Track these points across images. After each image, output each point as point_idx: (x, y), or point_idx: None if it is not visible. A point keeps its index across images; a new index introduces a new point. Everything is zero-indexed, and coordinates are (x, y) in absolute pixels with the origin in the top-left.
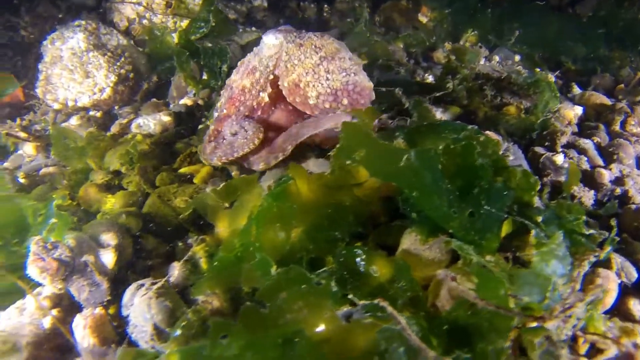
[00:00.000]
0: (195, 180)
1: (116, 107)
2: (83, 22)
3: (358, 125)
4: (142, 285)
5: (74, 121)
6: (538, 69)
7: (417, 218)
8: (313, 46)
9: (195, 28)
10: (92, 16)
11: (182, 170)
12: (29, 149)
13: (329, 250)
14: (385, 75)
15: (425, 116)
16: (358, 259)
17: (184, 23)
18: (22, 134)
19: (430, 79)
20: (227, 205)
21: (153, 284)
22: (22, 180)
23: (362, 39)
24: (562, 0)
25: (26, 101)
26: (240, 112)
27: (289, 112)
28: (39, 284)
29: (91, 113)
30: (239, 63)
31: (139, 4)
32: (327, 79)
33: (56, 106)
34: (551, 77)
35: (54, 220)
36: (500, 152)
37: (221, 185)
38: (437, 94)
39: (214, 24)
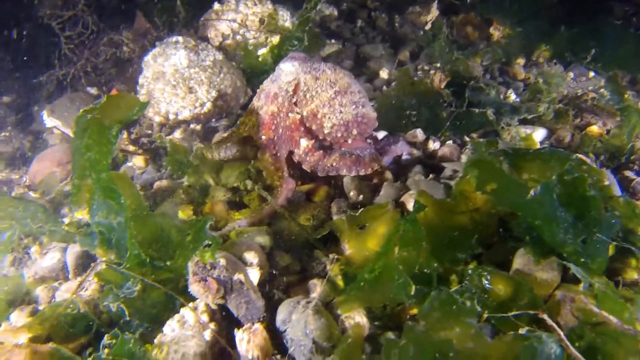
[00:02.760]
0: (315, 199)
1: (213, 120)
2: (181, 39)
3: (491, 161)
4: (298, 302)
5: (177, 134)
6: (627, 95)
7: (529, 241)
8: (328, 80)
9: (289, 46)
10: (189, 33)
11: (300, 188)
12: (138, 161)
13: (451, 269)
14: (477, 96)
15: (528, 143)
16: (484, 279)
17: (275, 39)
18: (132, 147)
19: (512, 96)
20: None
21: (308, 302)
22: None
23: (444, 56)
24: (627, 12)
25: None
26: (280, 133)
27: None
28: (194, 299)
29: (192, 126)
30: (258, 90)
31: (234, 21)
32: (341, 111)
33: (158, 119)
34: None
35: (207, 241)
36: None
37: (360, 211)
38: (529, 117)
39: (306, 43)
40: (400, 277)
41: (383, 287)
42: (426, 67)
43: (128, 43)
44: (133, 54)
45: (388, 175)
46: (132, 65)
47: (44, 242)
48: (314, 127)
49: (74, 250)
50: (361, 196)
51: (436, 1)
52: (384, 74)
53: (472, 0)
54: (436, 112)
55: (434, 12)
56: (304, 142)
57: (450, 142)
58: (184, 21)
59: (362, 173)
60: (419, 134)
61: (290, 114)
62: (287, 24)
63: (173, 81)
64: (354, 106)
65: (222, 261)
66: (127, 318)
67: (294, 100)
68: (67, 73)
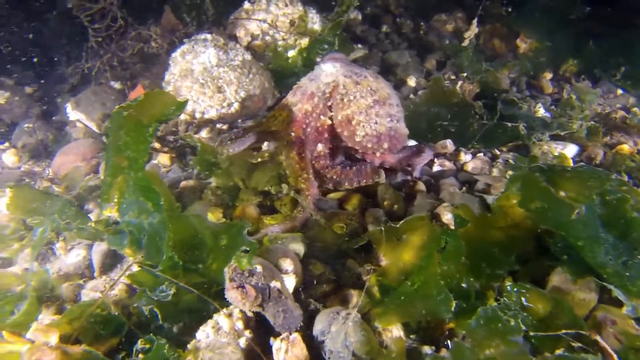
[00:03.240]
0: (347, 207)
1: (239, 120)
2: (210, 37)
3: (537, 179)
4: (338, 313)
5: (204, 134)
6: None
7: (566, 260)
8: (369, 88)
9: (319, 49)
10: (218, 31)
11: (332, 196)
12: (164, 159)
13: (488, 284)
14: (509, 109)
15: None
16: (523, 298)
17: (304, 41)
18: (157, 145)
19: (541, 110)
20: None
21: (348, 313)
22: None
23: (473, 66)
24: None
25: None
26: (307, 132)
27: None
28: (227, 304)
29: (218, 126)
30: (294, 87)
31: (264, 21)
32: (376, 122)
33: (183, 117)
34: None
35: (244, 247)
36: None
37: (400, 223)
38: (562, 133)
39: (337, 48)
40: (441, 292)
41: (423, 302)
42: (453, 77)
43: (156, 38)
44: (161, 50)
45: (421, 186)
46: (158, 61)
47: (67, 237)
48: (345, 133)
49: (100, 248)
50: (395, 206)
51: (476, 19)
52: (411, 82)
53: (500, 12)
54: (467, 124)
55: (474, 29)
56: (320, 147)
57: (481, 154)
58: (212, 19)
59: (362, 184)
60: (449, 144)
61: (322, 117)
62: (317, 27)
63: (201, 79)
64: (389, 119)
65: (259, 268)
66: (160, 322)
67: (330, 103)
68: (92, 66)
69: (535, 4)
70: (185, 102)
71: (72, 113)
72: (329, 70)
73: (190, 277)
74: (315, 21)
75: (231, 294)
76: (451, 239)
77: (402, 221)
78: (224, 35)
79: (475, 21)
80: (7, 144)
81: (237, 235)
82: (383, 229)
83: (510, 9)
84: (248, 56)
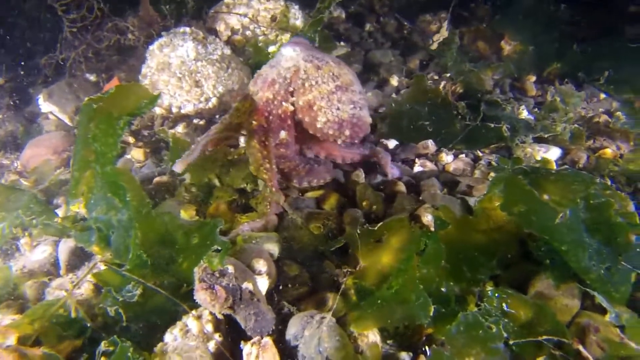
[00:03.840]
0: (325, 206)
1: (217, 116)
2: (189, 30)
3: (521, 182)
4: (312, 317)
5: (180, 129)
6: None
7: (549, 265)
8: (331, 73)
9: None
10: (197, 24)
11: (308, 195)
12: (137, 154)
13: (468, 289)
14: (492, 110)
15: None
16: (504, 303)
17: (285, 37)
18: (131, 139)
19: (525, 113)
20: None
21: (322, 317)
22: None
23: (456, 67)
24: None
25: None
26: (270, 120)
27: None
28: (197, 306)
29: (195, 121)
30: (255, 75)
31: (245, 15)
32: (338, 108)
33: (159, 111)
34: None
35: (216, 247)
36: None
37: (378, 226)
38: (545, 135)
39: (318, 44)
40: (419, 297)
41: (401, 306)
42: (436, 77)
43: (133, 30)
44: (138, 42)
45: (401, 186)
46: (135, 54)
47: (33, 233)
48: (306, 119)
49: (67, 245)
50: (374, 206)
51: (447, 21)
52: (394, 81)
53: (484, 14)
54: (449, 124)
55: (444, 32)
56: (282, 134)
57: (463, 155)
58: (192, 12)
59: (314, 184)
60: (431, 145)
61: (284, 103)
62: (298, 23)
63: (179, 73)
64: (352, 106)
65: (231, 268)
66: (125, 324)
67: (291, 88)
68: (67, 57)
69: (519, 7)
70: (158, 96)
71: (45, 105)
72: (289, 55)
73: (159, 277)
74: (297, 17)
75: (200, 295)
76: (431, 241)
77: (381, 223)
78: (203, 29)
79: (445, 24)
80: None
81: (209, 234)
82: (359, 231)
83: (494, 12)
84: (227, 51)
